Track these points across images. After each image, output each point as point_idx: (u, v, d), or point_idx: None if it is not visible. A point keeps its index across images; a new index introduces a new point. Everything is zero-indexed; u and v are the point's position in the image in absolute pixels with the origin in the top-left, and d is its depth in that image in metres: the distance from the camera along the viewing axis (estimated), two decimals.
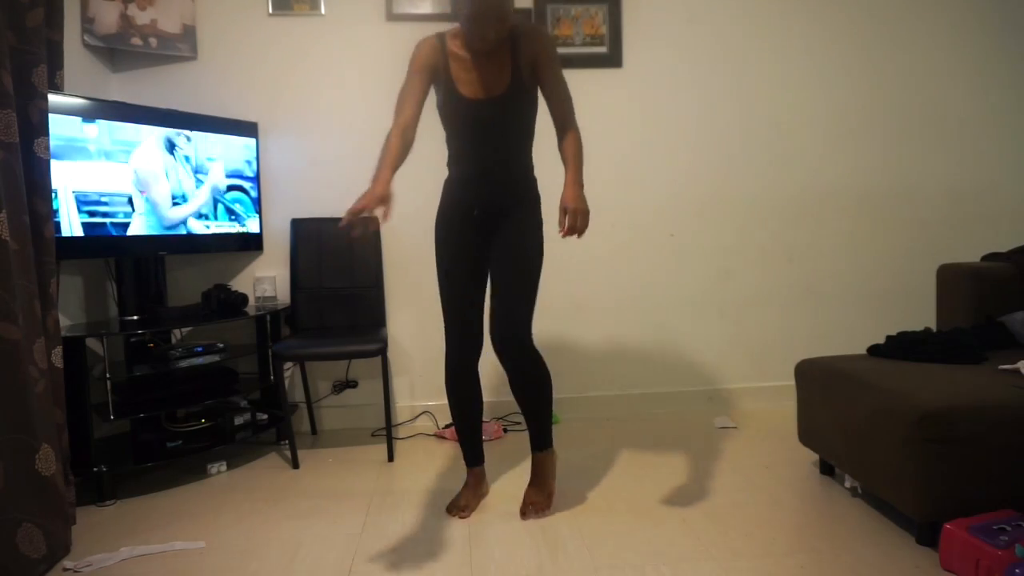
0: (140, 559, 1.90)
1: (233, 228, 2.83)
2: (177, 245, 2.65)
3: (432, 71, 1.97)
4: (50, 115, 2.15)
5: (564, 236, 1.86)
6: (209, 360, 2.56)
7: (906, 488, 1.78)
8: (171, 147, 2.60)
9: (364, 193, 1.68)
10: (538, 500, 2.11)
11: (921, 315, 3.24)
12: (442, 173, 2.16)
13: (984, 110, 3.31)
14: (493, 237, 2.06)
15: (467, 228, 2.06)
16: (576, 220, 1.85)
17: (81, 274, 2.63)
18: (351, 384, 3.08)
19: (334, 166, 3.02)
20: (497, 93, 1.96)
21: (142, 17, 2.78)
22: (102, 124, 2.39)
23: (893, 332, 2.36)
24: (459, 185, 2.08)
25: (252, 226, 2.91)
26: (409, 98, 1.95)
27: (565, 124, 1.98)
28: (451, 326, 2.09)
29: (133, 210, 2.49)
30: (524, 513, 2.08)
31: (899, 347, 2.23)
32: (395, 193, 3.03)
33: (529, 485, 2.16)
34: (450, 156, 2.11)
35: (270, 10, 2.94)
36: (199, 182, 2.69)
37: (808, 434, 2.32)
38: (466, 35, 1.89)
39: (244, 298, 2.77)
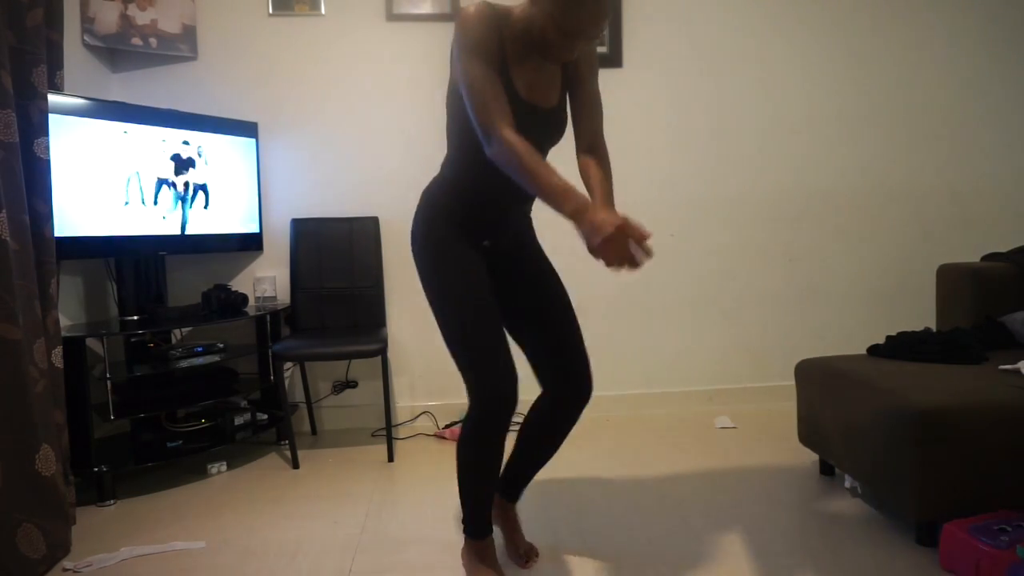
0: (140, 559, 1.90)
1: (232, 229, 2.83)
2: (177, 245, 2.65)
3: (493, 55, 1.48)
4: (50, 115, 2.15)
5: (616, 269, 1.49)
6: (209, 360, 2.56)
7: (906, 488, 1.78)
8: (183, 164, 2.60)
9: (595, 229, 1.31)
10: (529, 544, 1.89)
11: (921, 315, 3.25)
12: (433, 176, 1.78)
13: (984, 110, 3.31)
14: (509, 267, 1.75)
15: (478, 251, 1.67)
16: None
17: (81, 274, 2.63)
18: (351, 384, 3.08)
19: (334, 166, 3.02)
20: (550, 104, 1.61)
21: (142, 17, 2.78)
22: (102, 124, 2.39)
23: (893, 332, 2.36)
24: (476, 205, 1.66)
25: (251, 226, 2.92)
26: (499, 90, 1.46)
27: (599, 141, 1.66)
28: (491, 361, 1.56)
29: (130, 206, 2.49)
30: (529, 561, 1.83)
31: (899, 347, 2.23)
32: (395, 192, 3.05)
33: (518, 534, 1.89)
34: (465, 162, 1.62)
35: (270, 10, 2.94)
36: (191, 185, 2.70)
37: (808, 434, 2.32)
38: (552, 45, 1.46)
39: (244, 298, 2.77)
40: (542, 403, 1.79)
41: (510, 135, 1.41)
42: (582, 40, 1.45)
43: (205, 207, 2.72)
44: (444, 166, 1.71)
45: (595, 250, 1.33)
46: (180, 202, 2.64)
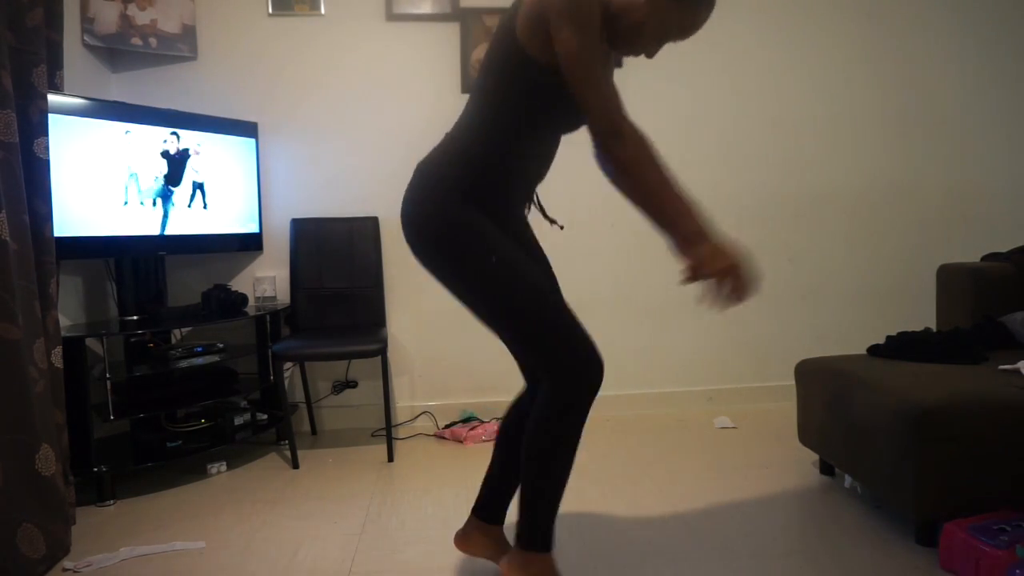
0: (140, 559, 1.90)
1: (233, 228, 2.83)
2: (177, 245, 2.65)
3: (599, 35, 1.31)
4: (50, 115, 2.15)
5: None
6: (209, 360, 2.56)
7: (906, 488, 1.78)
8: (180, 156, 2.60)
9: (708, 259, 1.24)
10: None
11: (921, 315, 3.24)
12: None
13: (984, 110, 3.31)
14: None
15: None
16: None
17: (81, 274, 2.63)
18: (351, 384, 3.08)
19: (334, 166, 3.02)
20: None
21: (142, 17, 2.78)
22: (102, 124, 2.39)
23: (893, 332, 2.36)
24: (522, 185, 1.52)
25: (251, 226, 2.92)
26: (612, 81, 1.34)
27: None
28: (583, 334, 1.40)
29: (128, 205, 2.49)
30: None
31: (899, 347, 2.23)
32: (395, 192, 3.04)
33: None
34: (506, 135, 1.43)
35: (270, 10, 2.94)
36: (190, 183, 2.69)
37: (808, 434, 2.32)
38: (644, 39, 1.35)
39: (244, 298, 2.77)
40: (525, 401, 1.64)
41: (641, 131, 1.29)
42: (682, 38, 1.38)
43: (204, 207, 2.72)
44: (464, 138, 1.45)
45: (701, 276, 1.26)
46: (164, 200, 2.64)
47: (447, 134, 1.51)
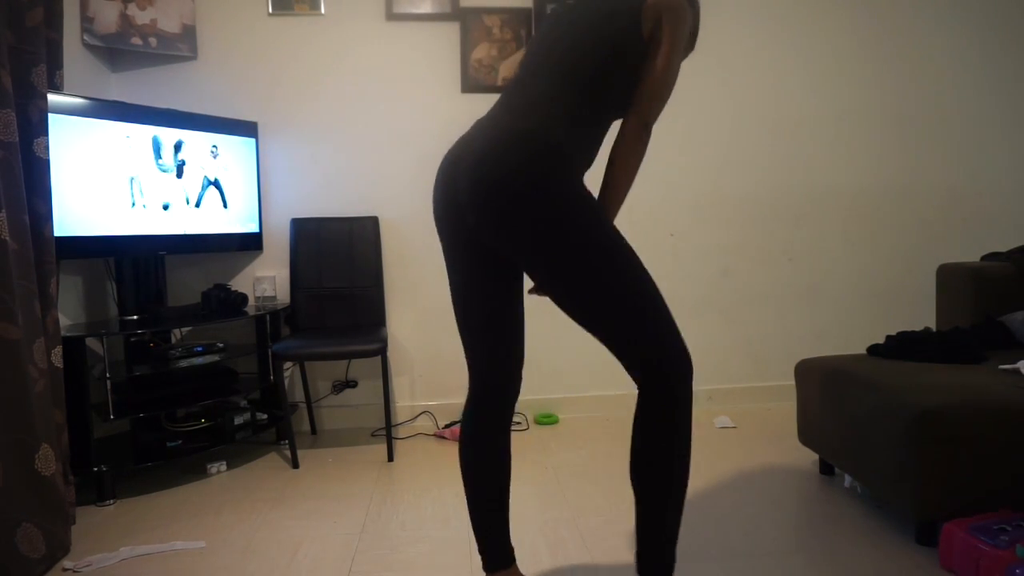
0: (140, 559, 1.90)
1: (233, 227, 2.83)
2: (177, 245, 2.65)
3: None
4: (50, 115, 2.15)
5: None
6: (209, 360, 2.56)
7: (906, 488, 1.78)
8: (175, 149, 2.60)
9: None
10: None
11: (921, 315, 3.25)
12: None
13: (984, 110, 3.31)
14: None
15: None
16: None
17: (81, 274, 2.63)
18: (351, 384, 3.08)
19: (334, 166, 3.02)
20: None
21: (142, 17, 2.78)
22: (102, 124, 2.39)
23: (893, 332, 2.36)
24: (585, 167, 1.47)
25: (251, 226, 2.91)
26: None
27: None
28: (676, 327, 1.37)
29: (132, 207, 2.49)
30: None
31: (899, 347, 2.23)
32: (395, 192, 3.05)
33: None
34: (601, 125, 1.44)
35: (270, 10, 2.94)
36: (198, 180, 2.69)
37: (808, 434, 2.32)
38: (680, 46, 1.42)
39: (244, 298, 2.77)
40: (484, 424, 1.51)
41: None
42: (692, 48, 1.56)
43: (224, 206, 2.72)
44: (570, 118, 1.37)
45: None
46: (177, 200, 2.64)
47: (516, 106, 1.39)
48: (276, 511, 2.20)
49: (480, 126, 1.41)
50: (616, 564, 1.80)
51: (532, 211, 1.29)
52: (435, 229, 1.70)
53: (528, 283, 2.83)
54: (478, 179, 1.32)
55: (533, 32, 3.00)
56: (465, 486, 1.50)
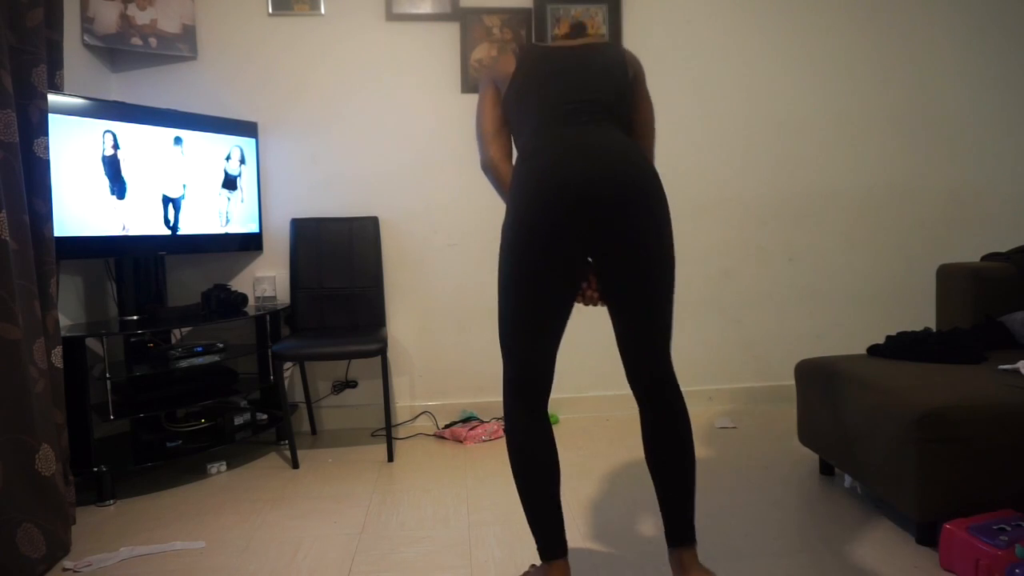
0: (140, 559, 1.90)
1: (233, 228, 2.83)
2: (177, 245, 2.65)
3: None
4: (50, 115, 2.15)
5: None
6: (209, 360, 2.56)
7: (906, 488, 1.78)
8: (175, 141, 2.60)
9: None
10: None
11: (921, 315, 3.25)
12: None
13: (984, 110, 3.31)
14: None
15: None
16: None
17: (81, 274, 2.63)
18: (351, 384, 3.08)
19: (334, 166, 3.02)
20: None
21: (142, 17, 2.78)
22: (102, 124, 2.39)
23: (893, 332, 2.36)
24: None
25: (251, 226, 2.92)
26: None
27: None
28: None
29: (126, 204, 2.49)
30: None
31: (899, 347, 2.23)
32: (395, 192, 3.05)
33: None
34: None
35: (270, 10, 2.94)
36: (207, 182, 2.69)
37: (808, 434, 2.32)
38: None
39: (244, 298, 2.77)
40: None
41: None
42: None
43: (243, 201, 2.72)
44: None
45: None
46: (172, 205, 2.64)
47: (609, 128, 1.57)
48: (276, 511, 2.20)
49: (584, 140, 1.51)
50: (616, 563, 1.80)
51: (664, 212, 1.52)
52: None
53: None
54: (632, 174, 1.48)
55: (533, 33, 3.00)
56: (521, 476, 1.54)
